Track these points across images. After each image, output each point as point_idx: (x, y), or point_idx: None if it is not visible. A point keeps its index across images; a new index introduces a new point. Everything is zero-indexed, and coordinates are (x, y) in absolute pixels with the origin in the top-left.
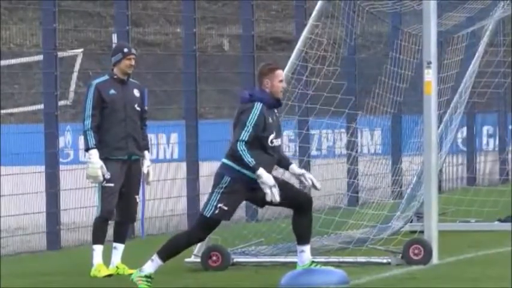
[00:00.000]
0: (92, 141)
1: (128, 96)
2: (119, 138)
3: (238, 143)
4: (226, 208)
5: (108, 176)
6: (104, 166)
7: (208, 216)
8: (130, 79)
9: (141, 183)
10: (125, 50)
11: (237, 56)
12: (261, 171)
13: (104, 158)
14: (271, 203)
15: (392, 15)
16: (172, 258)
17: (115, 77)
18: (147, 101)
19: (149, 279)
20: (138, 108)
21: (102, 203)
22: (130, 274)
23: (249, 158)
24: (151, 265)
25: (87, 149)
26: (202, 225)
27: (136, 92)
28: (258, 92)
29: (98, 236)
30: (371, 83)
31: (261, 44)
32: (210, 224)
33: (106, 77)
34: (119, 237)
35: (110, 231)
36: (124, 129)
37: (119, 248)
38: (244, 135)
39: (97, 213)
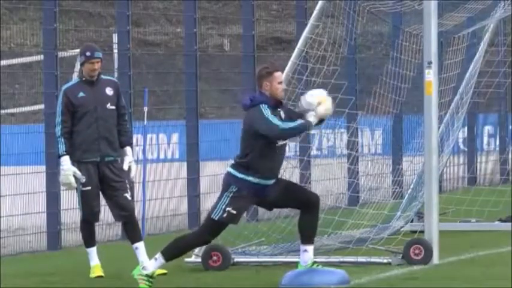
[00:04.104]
0: (63, 148)
1: (98, 96)
2: (91, 141)
3: (277, 128)
4: (234, 212)
5: (83, 179)
6: (77, 171)
7: (216, 219)
8: (103, 76)
9: (127, 182)
10: (87, 53)
11: (238, 55)
12: (312, 115)
13: (76, 161)
14: (279, 206)
15: (393, 15)
16: (176, 258)
17: (83, 79)
18: (148, 101)
19: (150, 279)
20: (111, 107)
21: (83, 207)
22: (162, 274)
23: (293, 127)
24: (154, 264)
25: (58, 156)
26: (209, 228)
27: (108, 91)
28: (258, 95)
29: (87, 240)
30: (372, 83)
31: (262, 44)
32: (218, 227)
33: (76, 79)
34: (132, 237)
35: (111, 231)
36: (96, 131)
37: (140, 246)
38: (274, 121)
39: (80, 218)
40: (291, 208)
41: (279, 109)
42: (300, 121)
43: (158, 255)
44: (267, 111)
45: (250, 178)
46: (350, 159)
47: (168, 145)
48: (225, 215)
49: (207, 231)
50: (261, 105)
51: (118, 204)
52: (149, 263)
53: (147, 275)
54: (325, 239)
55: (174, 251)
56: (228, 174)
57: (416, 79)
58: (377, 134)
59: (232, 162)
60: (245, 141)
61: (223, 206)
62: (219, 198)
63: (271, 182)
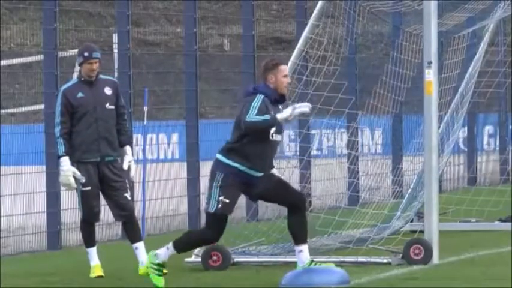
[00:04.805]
0: (62, 149)
1: (98, 96)
2: (91, 141)
3: (247, 118)
4: (227, 201)
5: (83, 180)
6: (76, 172)
7: (213, 211)
8: (102, 76)
9: (127, 182)
10: (85, 54)
11: (238, 55)
12: (280, 115)
13: (76, 161)
14: (265, 199)
15: (393, 15)
16: (186, 251)
17: (82, 79)
18: (148, 101)
19: (161, 268)
20: (110, 107)
21: (83, 207)
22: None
23: (263, 120)
24: (166, 252)
25: (58, 157)
26: (210, 223)
27: (107, 90)
28: (261, 86)
29: (87, 240)
30: (372, 83)
31: (262, 44)
32: (217, 220)
33: (75, 80)
34: (132, 237)
35: (111, 231)
36: (95, 131)
37: (139, 246)
38: (251, 112)
39: (80, 218)
40: (277, 204)
41: (280, 106)
42: (266, 116)
43: (170, 245)
44: (257, 103)
45: (236, 165)
46: (350, 159)
47: (168, 145)
48: (219, 205)
49: (210, 226)
50: (258, 95)
51: (118, 204)
52: (162, 251)
53: (158, 264)
54: (325, 239)
55: (183, 244)
56: (215, 160)
57: (416, 79)
58: (377, 134)
59: (220, 149)
60: (239, 127)
61: (216, 197)
62: (209, 190)
63: (258, 175)
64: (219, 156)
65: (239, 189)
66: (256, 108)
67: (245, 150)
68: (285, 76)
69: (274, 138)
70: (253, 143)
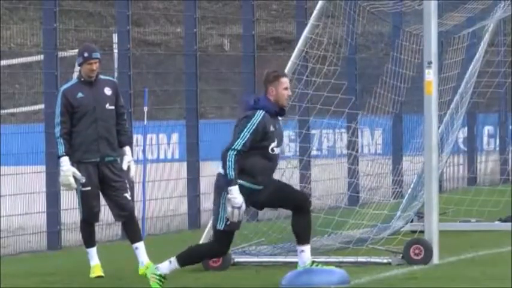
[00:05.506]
0: (62, 149)
1: (98, 97)
2: (90, 141)
3: (230, 151)
4: (235, 219)
5: (83, 180)
6: (76, 172)
7: (221, 229)
8: (102, 76)
9: (126, 182)
10: (85, 54)
11: (238, 55)
12: (234, 188)
13: (76, 161)
14: (269, 206)
15: (393, 15)
16: (190, 265)
17: (82, 79)
18: (148, 101)
19: (162, 279)
20: (110, 107)
21: (83, 207)
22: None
23: (230, 170)
24: (168, 267)
25: (58, 157)
26: (218, 239)
27: (107, 91)
28: (262, 99)
29: (87, 240)
30: (372, 83)
31: (262, 44)
32: (225, 237)
33: (75, 80)
34: (132, 237)
35: (111, 231)
36: (95, 131)
37: (139, 246)
38: (238, 143)
39: (80, 218)
40: (282, 209)
41: (280, 118)
42: (232, 175)
43: (173, 259)
44: (253, 126)
45: (241, 182)
46: (350, 159)
47: (168, 145)
48: (228, 222)
49: (217, 242)
50: (258, 112)
51: (118, 204)
52: (163, 265)
53: (159, 275)
54: (325, 239)
55: (187, 258)
56: (220, 175)
57: (416, 79)
58: (377, 134)
59: (222, 164)
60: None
61: (224, 214)
62: (217, 206)
63: (260, 188)
64: (223, 172)
65: (246, 204)
66: (249, 133)
67: (247, 165)
68: (286, 89)
69: (276, 151)
70: (253, 157)
